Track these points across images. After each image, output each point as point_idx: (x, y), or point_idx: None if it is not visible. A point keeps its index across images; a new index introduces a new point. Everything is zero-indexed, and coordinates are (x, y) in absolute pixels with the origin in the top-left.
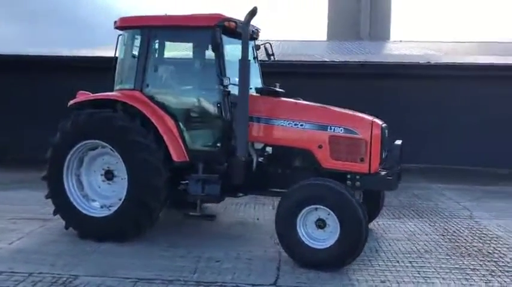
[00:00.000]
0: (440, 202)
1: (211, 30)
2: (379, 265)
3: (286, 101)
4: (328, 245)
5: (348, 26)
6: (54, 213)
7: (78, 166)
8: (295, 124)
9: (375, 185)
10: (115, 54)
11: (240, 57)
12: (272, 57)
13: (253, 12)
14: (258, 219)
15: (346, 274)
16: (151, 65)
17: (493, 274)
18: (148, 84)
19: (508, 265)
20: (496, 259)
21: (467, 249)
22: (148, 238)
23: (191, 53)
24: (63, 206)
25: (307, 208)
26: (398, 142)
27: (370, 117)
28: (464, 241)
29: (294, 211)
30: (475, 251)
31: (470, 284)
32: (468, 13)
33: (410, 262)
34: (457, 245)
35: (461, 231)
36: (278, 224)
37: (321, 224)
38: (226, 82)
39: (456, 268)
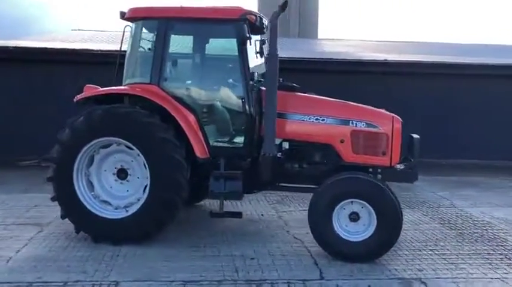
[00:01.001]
0: (418, 193)
1: (235, 23)
2: (405, 254)
3: (305, 96)
4: (364, 238)
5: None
6: (63, 217)
7: (88, 165)
8: (316, 119)
9: (396, 178)
10: (121, 47)
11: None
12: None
13: (283, 7)
14: (262, 215)
15: (383, 265)
16: (169, 58)
17: (507, 256)
18: (167, 79)
19: None
20: (501, 244)
21: (471, 235)
22: (165, 239)
23: (210, 46)
24: (73, 209)
25: (343, 202)
26: (417, 136)
27: (389, 113)
28: (462, 228)
29: (331, 206)
30: (479, 237)
31: (496, 268)
32: (399, 14)
33: (431, 250)
34: (460, 233)
35: (455, 219)
36: (313, 219)
37: (355, 217)
38: (255, 76)
39: (474, 253)
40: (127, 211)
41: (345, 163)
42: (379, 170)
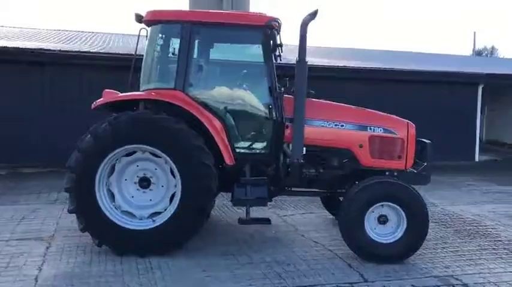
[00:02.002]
0: None
1: (263, 30)
2: (424, 252)
3: (324, 102)
4: (394, 240)
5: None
6: (83, 230)
7: (109, 174)
8: (335, 125)
9: (411, 181)
10: (136, 51)
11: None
12: (279, 49)
13: (314, 14)
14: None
15: (412, 265)
16: (193, 63)
17: (510, 250)
18: (192, 84)
19: (509, 242)
20: (497, 239)
21: (467, 232)
22: (190, 248)
23: (234, 52)
24: (95, 221)
25: (375, 206)
26: (428, 141)
27: (403, 119)
28: (455, 225)
29: (364, 209)
30: (474, 233)
31: (510, 262)
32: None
33: (443, 247)
34: (456, 230)
35: (444, 217)
36: (345, 223)
37: (384, 219)
38: (284, 83)
39: (481, 248)
40: (154, 221)
41: (362, 167)
42: (395, 174)
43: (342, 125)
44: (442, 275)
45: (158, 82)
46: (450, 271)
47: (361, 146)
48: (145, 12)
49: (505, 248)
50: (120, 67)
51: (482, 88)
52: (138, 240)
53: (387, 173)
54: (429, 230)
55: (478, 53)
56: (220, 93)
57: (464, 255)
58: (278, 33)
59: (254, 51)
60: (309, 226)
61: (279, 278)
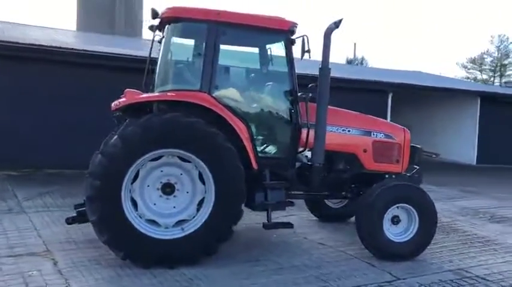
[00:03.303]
0: None
1: (285, 34)
2: (431, 248)
3: (330, 108)
4: (408, 238)
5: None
6: (107, 242)
7: (132, 180)
8: (343, 130)
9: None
10: (150, 53)
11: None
12: (308, 54)
13: (339, 23)
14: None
15: (424, 261)
16: (219, 65)
17: (491, 243)
18: (217, 86)
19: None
20: (474, 234)
21: (445, 228)
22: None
23: (257, 55)
24: (121, 232)
25: (392, 207)
26: (419, 146)
27: (398, 125)
28: None
29: (383, 211)
30: (452, 229)
31: (497, 254)
32: None
33: (435, 243)
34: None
35: None
36: (365, 226)
37: (397, 220)
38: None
39: (466, 242)
40: (182, 229)
41: (366, 171)
42: (394, 176)
43: (349, 131)
44: (453, 269)
45: (180, 83)
46: (455, 264)
47: (365, 151)
48: (164, 9)
49: (488, 241)
50: None
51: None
52: (166, 250)
53: (387, 176)
54: None
55: (349, 62)
56: (244, 96)
57: (458, 249)
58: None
59: (276, 55)
60: (303, 228)
61: (321, 281)
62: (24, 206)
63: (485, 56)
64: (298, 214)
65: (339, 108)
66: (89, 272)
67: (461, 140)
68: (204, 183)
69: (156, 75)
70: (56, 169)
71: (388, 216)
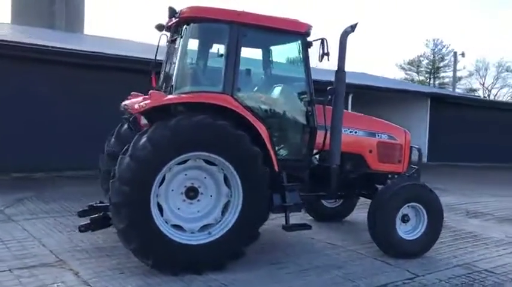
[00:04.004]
0: None
1: (302, 37)
2: (436, 245)
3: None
4: (417, 236)
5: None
6: (136, 250)
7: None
8: (350, 131)
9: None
10: (156, 55)
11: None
12: (327, 57)
13: (354, 26)
14: None
15: (431, 257)
16: (241, 66)
17: (480, 238)
18: (240, 89)
19: (468, 232)
20: (459, 229)
21: None
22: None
23: (275, 57)
24: (151, 239)
25: (404, 206)
26: (417, 146)
27: (400, 126)
28: None
29: (397, 210)
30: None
31: (490, 247)
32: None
33: (439, 238)
34: None
35: None
36: (378, 225)
37: (407, 218)
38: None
39: (458, 238)
40: (209, 233)
41: (371, 171)
42: (395, 176)
43: (356, 132)
44: (461, 264)
45: (200, 85)
46: (460, 260)
47: (370, 152)
48: (183, 8)
49: (476, 235)
50: None
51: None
52: (193, 256)
53: (390, 176)
54: None
55: None
56: (262, 98)
57: (454, 244)
58: None
59: (293, 57)
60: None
61: (350, 281)
62: (8, 214)
63: (421, 59)
64: (291, 215)
65: (345, 110)
66: (116, 281)
67: (413, 139)
68: (228, 186)
69: (175, 76)
70: (23, 173)
71: (399, 215)
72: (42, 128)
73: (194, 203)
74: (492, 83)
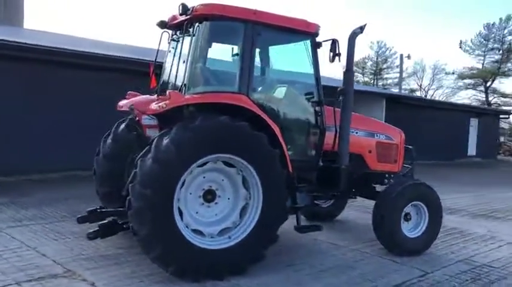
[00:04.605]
0: None
1: (311, 36)
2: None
3: (338, 110)
4: (419, 234)
5: None
6: (158, 258)
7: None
8: (351, 132)
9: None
10: (157, 56)
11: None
12: (338, 57)
13: (363, 28)
14: None
15: (432, 253)
16: (255, 66)
17: (466, 234)
18: (255, 88)
19: (453, 228)
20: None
21: None
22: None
23: (285, 57)
24: (174, 245)
25: (408, 205)
26: (411, 146)
27: (395, 127)
28: None
29: (401, 209)
30: None
31: (479, 242)
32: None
33: None
34: None
35: None
36: (388, 223)
37: (409, 217)
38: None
39: (448, 233)
40: (230, 237)
41: (370, 171)
42: (392, 176)
43: (356, 132)
44: (461, 259)
45: (214, 85)
46: (459, 255)
47: (370, 152)
48: (196, 5)
49: (456, 233)
50: None
51: None
52: (215, 261)
53: (387, 175)
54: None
55: None
56: (274, 99)
57: (448, 241)
58: None
59: (301, 57)
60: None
61: (369, 281)
62: None
63: (366, 60)
64: None
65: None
66: None
67: None
68: (246, 188)
69: (187, 76)
70: None
71: (403, 214)
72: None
73: (212, 206)
74: (429, 84)
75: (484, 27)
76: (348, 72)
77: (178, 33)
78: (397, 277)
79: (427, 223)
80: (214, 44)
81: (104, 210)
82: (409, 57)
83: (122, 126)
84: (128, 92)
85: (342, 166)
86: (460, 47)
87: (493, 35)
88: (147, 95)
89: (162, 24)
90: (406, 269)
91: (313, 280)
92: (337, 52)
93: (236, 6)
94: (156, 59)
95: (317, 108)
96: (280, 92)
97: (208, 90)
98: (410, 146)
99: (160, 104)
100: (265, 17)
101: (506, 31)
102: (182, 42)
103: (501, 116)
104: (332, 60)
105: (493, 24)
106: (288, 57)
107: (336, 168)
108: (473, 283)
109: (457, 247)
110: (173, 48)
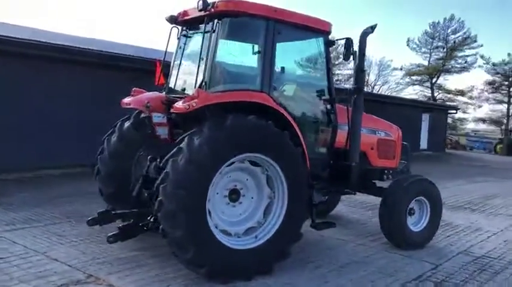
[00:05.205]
0: None
1: (325, 35)
2: None
3: (342, 107)
4: (422, 228)
5: None
6: (191, 260)
7: None
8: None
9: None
10: (166, 52)
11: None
12: (353, 56)
13: (374, 27)
14: None
15: (437, 245)
16: (275, 64)
17: (451, 224)
18: (275, 87)
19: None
20: None
21: None
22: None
23: (299, 55)
24: (207, 247)
25: (413, 201)
26: (407, 143)
27: (392, 123)
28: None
29: (407, 205)
30: None
31: (467, 235)
32: None
33: None
34: None
35: (360, 204)
36: (395, 218)
37: (412, 212)
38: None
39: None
40: (256, 237)
41: (371, 167)
42: (390, 172)
43: (361, 130)
44: (461, 251)
45: (234, 83)
46: (458, 247)
47: (372, 148)
48: (218, 1)
49: (445, 226)
50: None
51: None
52: (243, 261)
53: (386, 171)
54: (367, 218)
55: None
56: (291, 97)
57: (440, 235)
58: None
59: (314, 56)
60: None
61: (389, 276)
62: None
63: None
64: None
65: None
66: None
67: None
68: (270, 187)
69: (207, 73)
70: None
71: (408, 209)
72: None
73: (236, 206)
74: (375, 79)
75: (429, 26)
76: (360, 71)
77: (189, 29)
78: (412, 270)
79: (429, 216)
80: (232, 41)
81: (118, 212)
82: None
83: (127, 124)
84: (133, 89)
85: (352, 163)
86: (408, 45)
87: (437, 33)
88: (155, 92)
89: (172, 20)
90: (416, 262)
91: (337, 276)
92: (352, 51)
93: (257, 3)
94: (165, 56)
95: (329, 106)
96: (295, 89)
97: (229, 88)
98: (405, 143)
99: (189, 102)
100: (284, 15)
101: (449, 30)
102: (202, 39)
103: (449, 111)
104: (348, 58)
105: (438, 23)
106: (300, 55)
107: (348, 165)
108: (482, 274)
109: (452, 239)
110: (184, 44)
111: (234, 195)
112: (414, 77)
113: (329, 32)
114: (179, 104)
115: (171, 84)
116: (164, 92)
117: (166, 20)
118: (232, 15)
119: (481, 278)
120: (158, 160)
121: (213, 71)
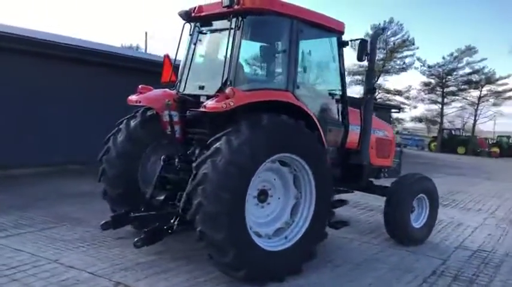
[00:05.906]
0: None
1: (339, 35)
2: None
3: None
4: (422, 224)
5: None
6: (230, 263)
7: None
8: (356, 128)
9: (392, 175)
10: (177, 49)
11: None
12: (366, 57)
13: (383, 29)
14: None
15: (435, 241)
16: (298, 62)
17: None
18: (299, 86)
19: None
20: None
21: None
22: None
23: (315, 54)
24: (247, 251)
25: (415, 198)
26: (399, 143)
27: (387, 123)
28: (365, 209)
29: (411, 202)
30: None
31: (458, 229)
32: None
33: None
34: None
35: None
36: (400, 216)
37: (413, 209)
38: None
39: None
40: (286, 237)
41: (371, 166)
42: (386, 170)
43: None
44: (457, 245)
45: (258, 81)
46: (453, 242)
47: (371, 148)
48: None
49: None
50: None
51: None
52: (277, 262)
53: (382, 170)
54: (371, 218)
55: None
56: (310, 96)
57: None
58: None
59: (328, 55)
60: None
61: (407, 273)
62: None
63: None
64: None
65: (351, 108)
66: None
67: None
68: (296, 187)
69: (232, 71)
70: None
71: (411, 207)
72: None
73: (265, 206)
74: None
75: (371, 28)
76: (372, 71)
77: (204, 25)
78: (424, 266)
79: (428, 213)
80: (255, 39)
81: (136, 215)
82: None
83: (134, 122)
84: (140, 86)
85: (363, 163)
86: (352, 46)
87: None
88: (165, 89)
89: (186, 15)
90: (423, 258)
91: (360, 275)
92: (367, 52)
93: (283, 2)
94: (177, 53)
95: (341, 106)
96: (311, 88)
97: (253, 87)
98: (399, 142)
99: (225, 101)
100: (305, 14)
101: (389, 32)
102: (220, 36)
103: (392, 110)
104: (362, 59)
105: (379, 25)
106: (316, 54)
107: (359, 165)
108: (488, 267)
109: (443, 234)
110: (200, 41)
111: (263, 196)
112: (356, 77)
113: (343, 32)
114: (211, 103)
115: (183, 83)
116: (175, 90)
117: (180, 15)
118: (258, 12)
119: (488, 271)
120: (177, 159)
121: (238, 69)
